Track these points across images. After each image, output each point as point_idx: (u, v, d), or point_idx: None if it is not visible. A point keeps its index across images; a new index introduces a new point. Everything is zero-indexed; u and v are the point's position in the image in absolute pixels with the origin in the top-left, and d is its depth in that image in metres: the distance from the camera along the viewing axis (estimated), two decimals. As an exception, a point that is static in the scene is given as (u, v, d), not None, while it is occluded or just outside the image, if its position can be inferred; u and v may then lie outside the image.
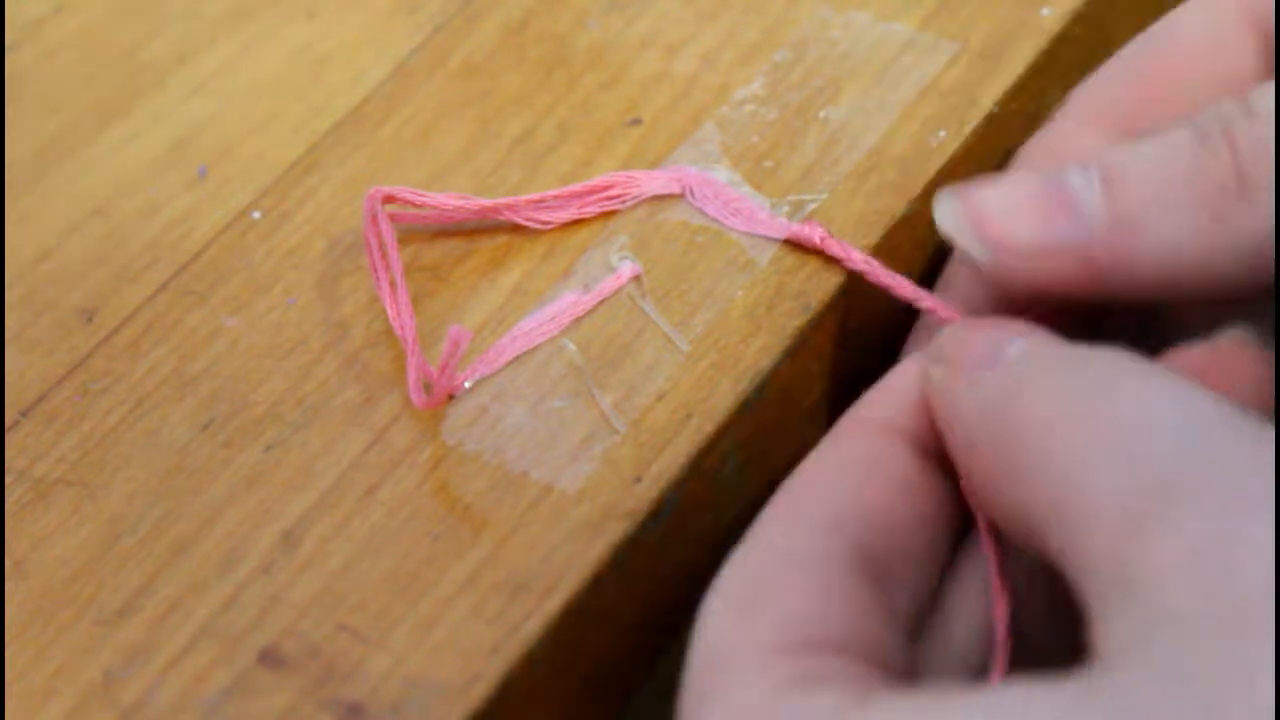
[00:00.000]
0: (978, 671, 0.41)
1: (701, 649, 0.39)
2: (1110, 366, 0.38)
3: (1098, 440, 0.37)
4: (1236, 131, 0.41)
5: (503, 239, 0.48)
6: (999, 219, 0.42)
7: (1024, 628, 0.41)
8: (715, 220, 0.48)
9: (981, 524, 0.42)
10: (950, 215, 0.43)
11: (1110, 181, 0.42)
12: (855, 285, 0.47)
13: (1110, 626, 0.35)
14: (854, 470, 0.41)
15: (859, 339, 0.48)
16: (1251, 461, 0.35)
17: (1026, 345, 0.40)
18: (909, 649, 0.40)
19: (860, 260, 0.46)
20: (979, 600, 0.42)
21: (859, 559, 0.40)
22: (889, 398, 0.43)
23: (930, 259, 0.49)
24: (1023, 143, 0.52)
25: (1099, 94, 0.47)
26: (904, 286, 0.46)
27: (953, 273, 0.47)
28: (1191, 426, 0.36)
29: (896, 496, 0.41)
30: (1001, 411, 0.39)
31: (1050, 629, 0.41)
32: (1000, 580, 0.41)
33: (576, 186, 0.48)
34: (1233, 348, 0.41)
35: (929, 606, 0.42)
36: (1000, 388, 0.39)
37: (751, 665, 0.38)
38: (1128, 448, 0.36)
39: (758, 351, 0.45)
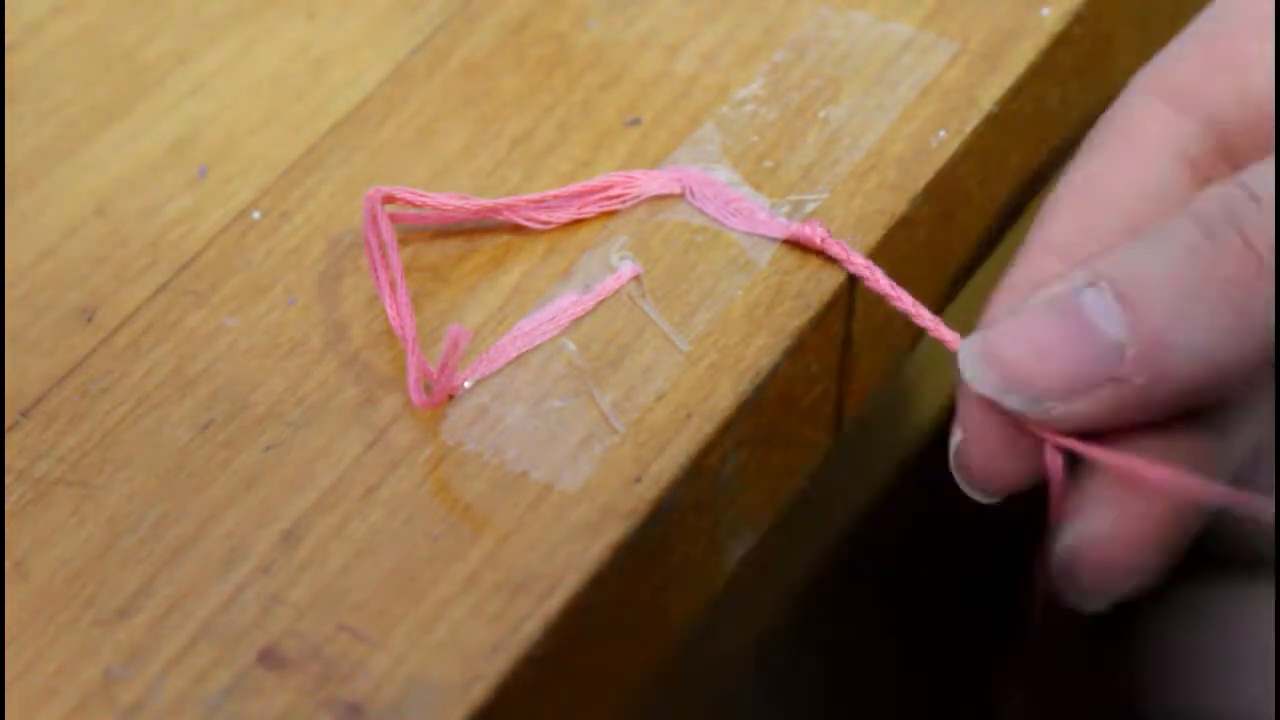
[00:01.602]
0: None
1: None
2: None
3: None
4: (1245, 223, 0.41)
5: (503, 239, 0.48)
6: (1028, 371, 0.42)
7: None
8: (715, 220, 0.48)
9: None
10: (979, 375, 0.43)
11: (1127, 301, 0.41)
12: (855, 285, 0.47)
13: None
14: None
15: (859, 339, 0.48)
16: None
17: None
18: None
19: (862, 265, 0.46)
20: None
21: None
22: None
23: (930, 259, 0.49)
24: (1023, 142, 0.52)
25: (1165, 68, 0.46)
26: (903, 299, 0.46)
27: None
28: None
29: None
30: None
31: None
32: None
33: (576, 186, 0.48)
34: None
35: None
36: None
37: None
38: None
39: (758, 351, 0.45)
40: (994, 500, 0.44)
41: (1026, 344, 0.42)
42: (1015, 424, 0.43)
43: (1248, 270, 0.40)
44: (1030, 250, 0.45)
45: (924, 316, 0.45)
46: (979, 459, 0.44)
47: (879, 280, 0.46)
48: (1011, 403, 0.42)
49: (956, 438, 0.44)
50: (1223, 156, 0.45)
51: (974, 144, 0.49)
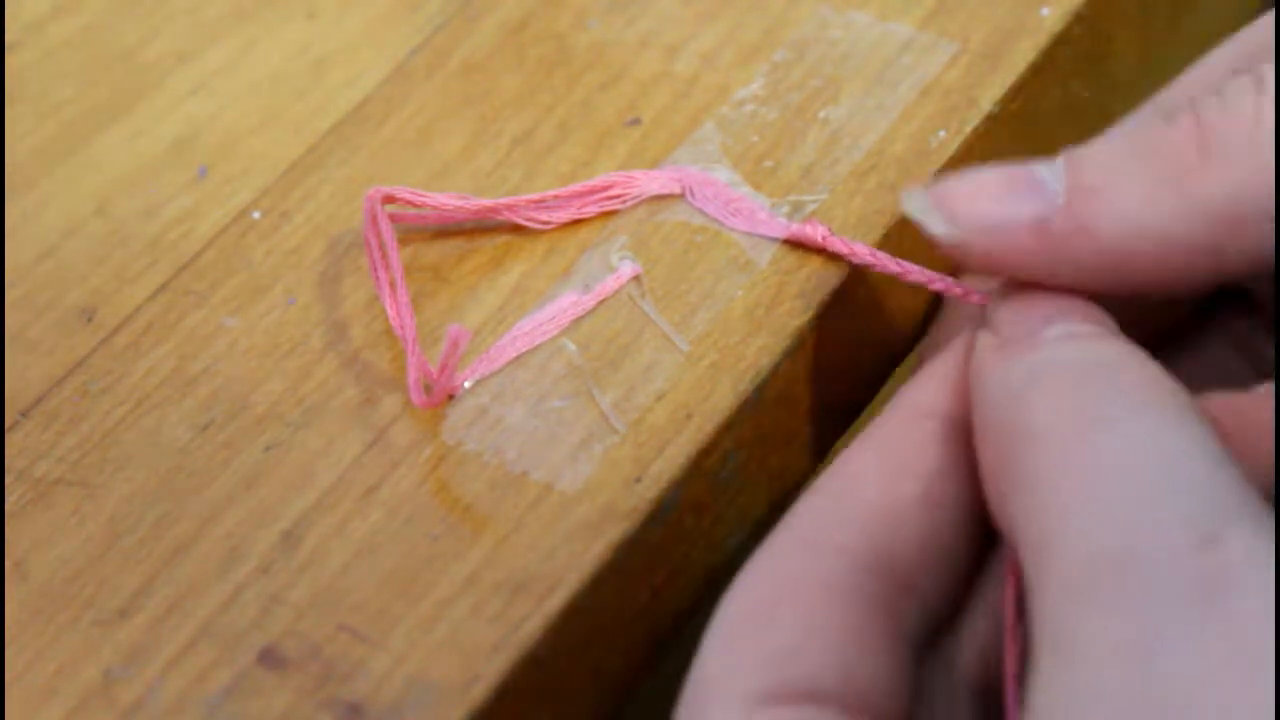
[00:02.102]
0: (980, 693, 0.41)
1: (693, 676, 0.39)
2: (1124, 391, 0.38)
3: (1080, 476, 0.36)
4: (1204, 106, 0.41)
5: (503, 239, 0.48)
6: (963, 198, 0.42)
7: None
8: (715, 220, 0.48)
9: (1008, 547, 0.40)
10: (917, 199, 0.42)
11: (1072, 160, 0.41)
12: (856, 285, 0.47)
13: (1043, 684, 0.35)
14: (885, 465, 0.41)
15: (859, 339, 0.48)
16: (1211, 561, 0.35)
17: (1065, 331, 0.40)
18: (911, 671, 0.40)
19: (866, 253, 0.46)
20: (992, 621, 0.41)
21: (869, 576, 0.39)
22: (940, 374, 0.42)
23: (930, 259, 0.49)
24: (1023, 142, 0.52)
25: (1253, 35, 0.46)
26: (913, 272, 0.45)
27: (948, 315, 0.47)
28: (1174, 491, 0.36)
29: (925, 497, 0.40)
30: (1013, 402, 0.39)
31: None
32: (1015, 612, 0.40)
33: (576, 186, 0.48)
34: (1268, 398, 0.41)
35: (947, 615, 0.41)
36: (1022, 375, 0.39)
37: (729, 713, 0.38)
38: (1103, 496, 0.36)
39: (758, 351, 0.45)
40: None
41: (967, 182, 0.42)
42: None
43: (1190, 146, 0.40)
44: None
45: (935, 281, 0.45)
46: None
47: (887, 263, 0.46)
48: (932, 225, 0.42)
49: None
50: None
51: (974, 144, 0.49)
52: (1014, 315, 0.41)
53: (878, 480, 0.40)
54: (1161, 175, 0.40)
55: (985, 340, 0.41)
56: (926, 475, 0.41)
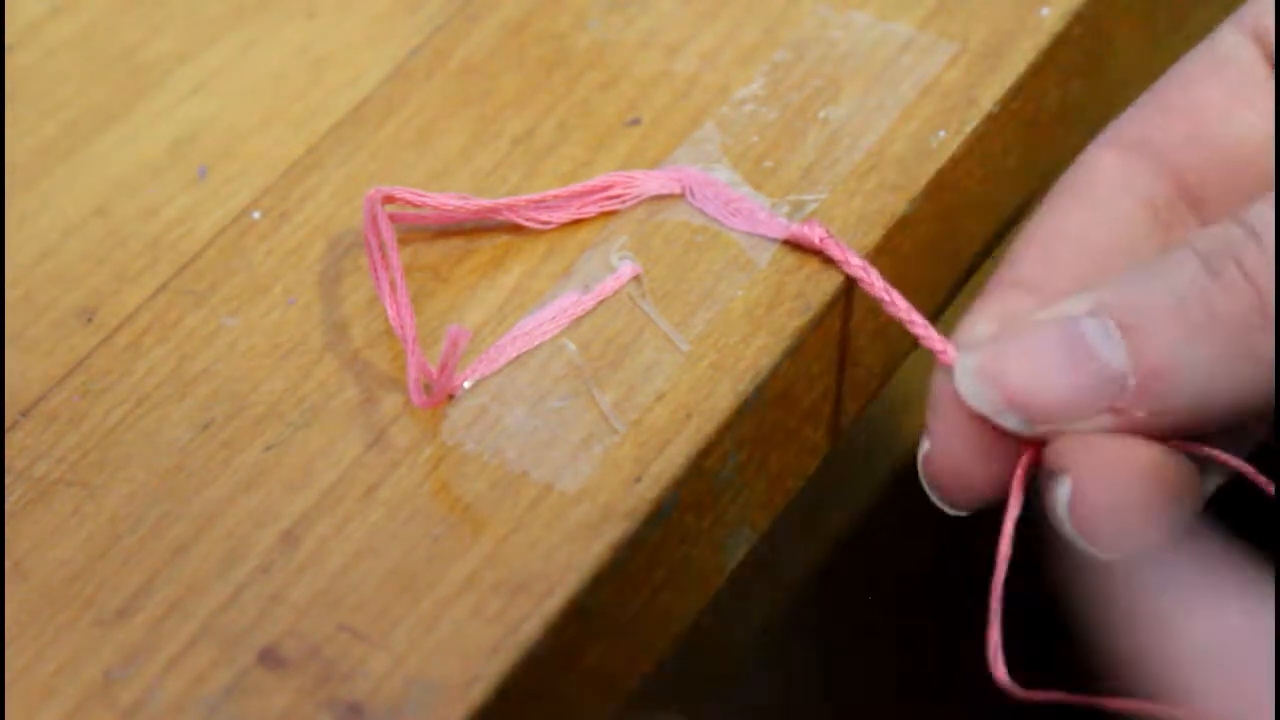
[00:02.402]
0: None
1: None
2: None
3: None
4: (1246, 260, 0.41)
5: (503, 239, 0.48)
6: (1028, 391, 0.42)
7: None
8: (715, 220, 0.48)
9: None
10: (978, 394, 0.43)
11: (1130, 331, 0.42)
12: (855, 285, 0.47)
13: None
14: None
15: (859, 339, 0.48)
16: None
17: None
18: None
19: (858, 267, 0.46)
20: None
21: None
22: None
23: (930, 259, 0.49)
24: (1023, 143, 0.52)
25: (1122, 121, 0.47)
26: (896, 304, 0.46)
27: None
28: None
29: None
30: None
31: None
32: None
33: (576, 186, 0.48)
34: None
35: None
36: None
37: None
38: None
39: (758, 351, 0.45)
40: (962, 512, 0.45)
41: (1029, 367, 0.43)
42: (985, 435, 0.43)
43: (1246, 305, 0.41)
44: (998, 287, 0.45)
45: (916, 323, 0.45)
46: (948, 469, 0.44)
47: (874, 283, 0.46)
48: (1009, 423, 0.43)
49: (925, 447, 0.44)
50: (1182, 200, 0.46)
51: (974, 144, 0.49)
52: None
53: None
54: (1229, 348, 0.41)
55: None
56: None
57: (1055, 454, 0.42)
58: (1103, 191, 0.46)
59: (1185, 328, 0.41)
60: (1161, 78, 0.47)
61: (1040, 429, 0.43)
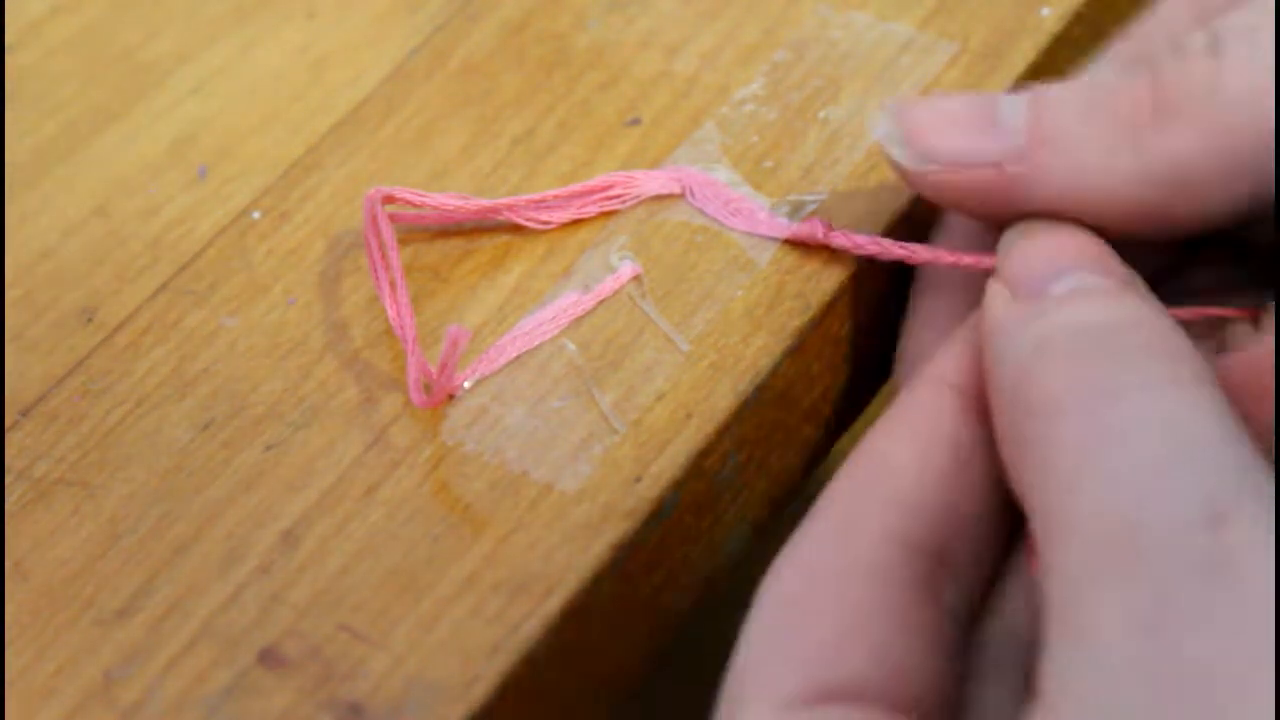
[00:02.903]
0: (1026, 667, 0.41)
1: (732, 672, 0.39)
2: (1134, 358, 0.38)
3: (1089, 449, 0.36)
4: (1162, 65, 0.42)
5: (503, 239, 0.48)
6: (929, 130, 0.43)
7: None
8: (715, 220, 0.48)
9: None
10: (884, 125, 0.44)
11: (1035, 104, 0.43)
12: (855, 285, 0.47)
13: (1055, 666, 0.35)
14: (915, 438, 0.41)
15: (859, 339, 0.48)
16: (1217, 540, 0.35)
17: (1076, 285, 0.40)
18: (957, 652, 0.40)
19: (868, 243, 0.46)
20: (1029, 594, 0.41)
21: (907, 554, 0.39)
22: (960, 344, 0.42)
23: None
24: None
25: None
26: (920, 252, 0.45)
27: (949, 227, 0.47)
28: (1184, 466, 0.36)
29: (957, 467, 0.40)
30: (1022, 373, 0.39)
31: None
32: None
33: (576, 186, 0.48)
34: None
35: (984, 591, 0.41)
36: (1031, 344, 0.39)
37: (767, 715, 0.37)
38: (1112, 470, 0.36)
39: (757, 351, 0.45)
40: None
41: (935, 114, 0.44)
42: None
43: (1145, 106, 0.42)
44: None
45: (945, 256, 0.45)
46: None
47: (892, 249, 0.46)
48: (898, 154, 0.44)
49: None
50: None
51: (974, 144, 0.49)
52: (1023, 265, 0.41)
53: (907, 454, 0.40)
54: (1116, 134, 0.42)
55: (995, 292, 0.41)
56: (956, 445, 0.41)
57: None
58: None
59: (1082, 107, 0.42)
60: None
61: (929, 173, 0.43)
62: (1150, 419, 0.37)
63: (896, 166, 0.44)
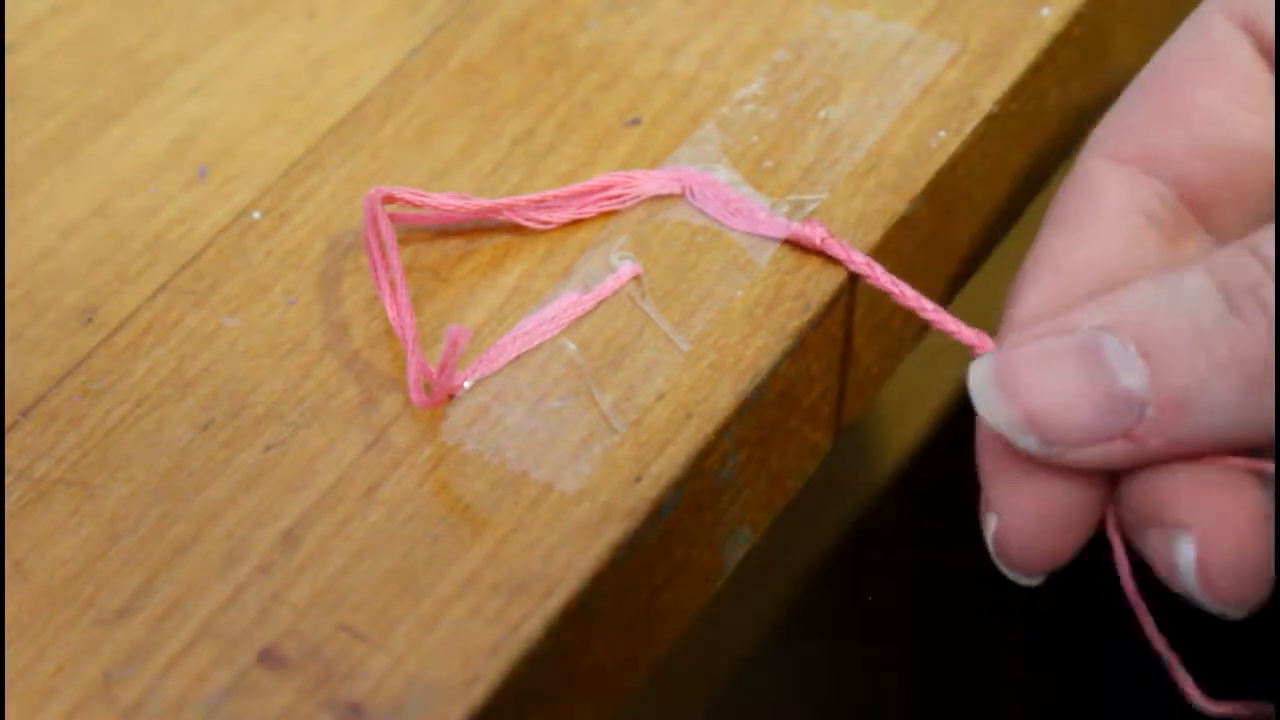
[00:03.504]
0: None
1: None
2: None
3: None
4: (1266, 295, 0.41)
5: (503, 239, 0.48)
6: (1049, 410, 0.42)
7: None
8: (715, 220, 0.48)
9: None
10: (996, 412, 0.42)
11: (1151, 360, 0.41)
12: (855, 285, 0.47)
13: None
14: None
15: (859, 339, 0.48)
16: None
17: None
18: None
19: (862, 263, 0.46)
20: None
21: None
22: None
23: (930, 259, 0.49)
24: (1023, 142, 0.52)
25: (1118, 128, 0.46)
26: (905, 294, 0.45)
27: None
28: None
29: None
30: None
31: None
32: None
33: (576, 186, 0.48)
34: None
35: None
36: None
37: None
38: None
39: (757, 351, 0.45)
40: (1037, 581, 0.44)
41: (1046, 385, 0.42)
42: (1060, 501, 0.43)
43: (1268, 343, 0.41)
44: (1005, 329, 0.45)
45: (927, 309, 0.45)
46: (1020, 543, 0.43)
47: (879, 277, 0.46)
48: (1026, 444, 0.42)
49: (991, 524, 0.44)
50: (1187, 209, 0.46)
51: (974, 144, 0.49)
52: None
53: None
54: (1250, 390, 0.41)
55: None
56: None
57: (1167, 507, 0.42)
58: (1108, 211, 0.45)
59: (1209, 363, 0.41)
60: (1150, 71, 0.46)
61: (1054, 451, 0.42)
62: None
63: (1024, 452, 0.43)
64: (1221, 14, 0.46)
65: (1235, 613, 0.41)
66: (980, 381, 0.43)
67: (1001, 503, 0.43)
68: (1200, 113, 0.45)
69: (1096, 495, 0.43)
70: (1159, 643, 0.43)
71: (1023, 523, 0.43)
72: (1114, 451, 0.42)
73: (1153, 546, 0.42)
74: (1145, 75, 0.46)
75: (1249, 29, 0.45)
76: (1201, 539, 0.41)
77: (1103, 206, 0.45)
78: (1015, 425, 0.42)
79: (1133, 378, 0.41)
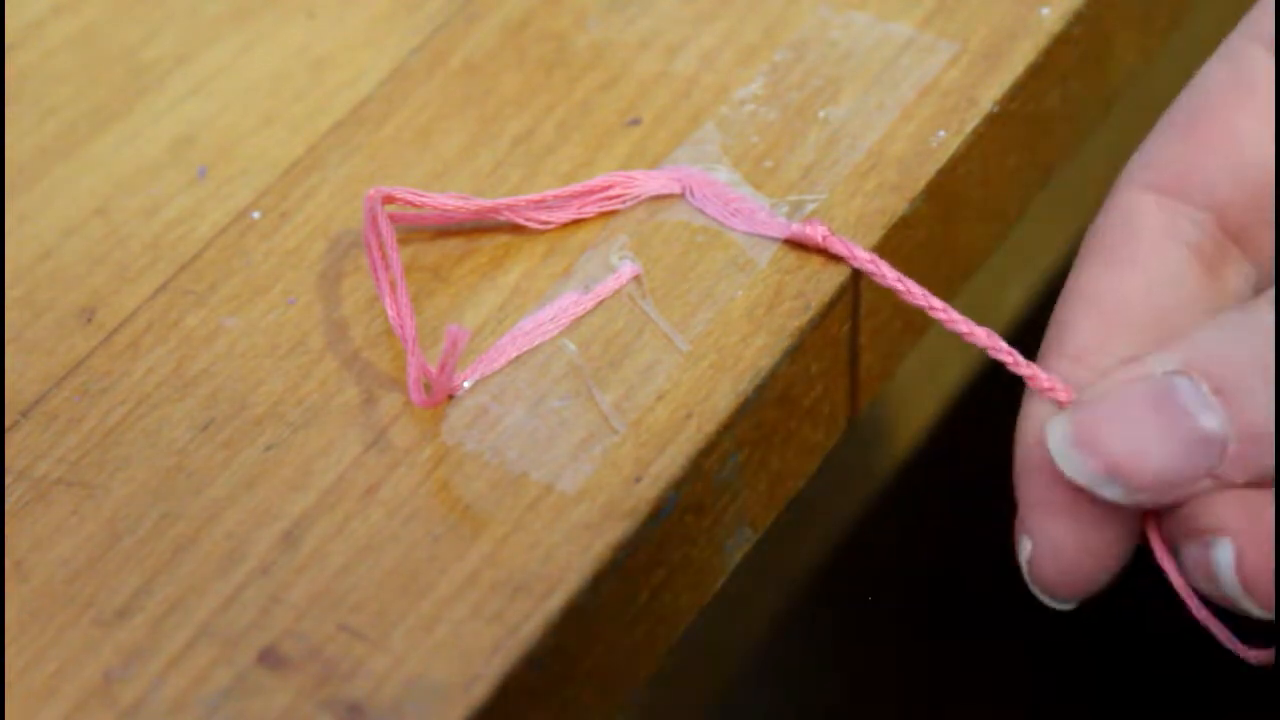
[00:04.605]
0: None
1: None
2: None
3: None
4: None
5: (503, 239, 0.48)
6: (1131, 458, 0.42)
7: None
8: (715, 220, 0.48)
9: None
10: (1078, 466, 0.42)
11: (1225, 395, 0.41)
12: (855, 285, 0.47)
13: None
14: None
15: (859, 339, 0.48)
16: None
17: None
18: None
19: (866, 260, 0.46)
20: None
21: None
22: None
23: (930, 259, 0.49)
24: (1023, 143, 0.52)
25: (1153, 159, 0.46)
26: (912, 291, 0.45)
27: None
28: None
29: None
30: None
31: None
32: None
33: (576, 186, 0.48)
34: None
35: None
36: None
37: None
38: None
39: (758, 351, 0.45)
40: (1072, 606, 0.44)
41: (1126, 431, 0.42)
42: (1096, 526, 0.43)
43: None
44: (1048, 359, 0.45)
45: (935, 307, 0.45)
46: (1055, 568, 0.43)
47: (885, 274, 0.46)
48: (1109, 494, 0.42)
49: (1026, 549, 0.44)
50: (1228, 238, 0.45)
51: (974, 144, 0.49)
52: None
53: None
54: None
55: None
56: None
57: (1200, 516, 0.42)
58: (1149, 243, 0.45)
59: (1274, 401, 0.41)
60: (1183, 102, 0.46)
61: (1139, 497, 0.42)
62: None
63: (1107, 499, 0.42)
64: (1253, 41, 0.46)
65: (1269, 611, 0.41)
66: (1060, 443, 0.42)
67: (1041, 531, 0.43)
68: (1237, 139, 0.45)
69: (1135, 524, 0.43)
70: (1202, 613, 0.43)
71: (1061, 552, 0.43)
72: (1198, 490, 0.42)
73: (1190, 558, 0.42)
74: (1177, 107, 0.46)
75: (1269, 48, 0.45)
76: (1238, 541, 0.41)
77: (1144, 238, 0.45)
78: (1099, 480, 0.42)
79: (1211, 418, 0.41)
